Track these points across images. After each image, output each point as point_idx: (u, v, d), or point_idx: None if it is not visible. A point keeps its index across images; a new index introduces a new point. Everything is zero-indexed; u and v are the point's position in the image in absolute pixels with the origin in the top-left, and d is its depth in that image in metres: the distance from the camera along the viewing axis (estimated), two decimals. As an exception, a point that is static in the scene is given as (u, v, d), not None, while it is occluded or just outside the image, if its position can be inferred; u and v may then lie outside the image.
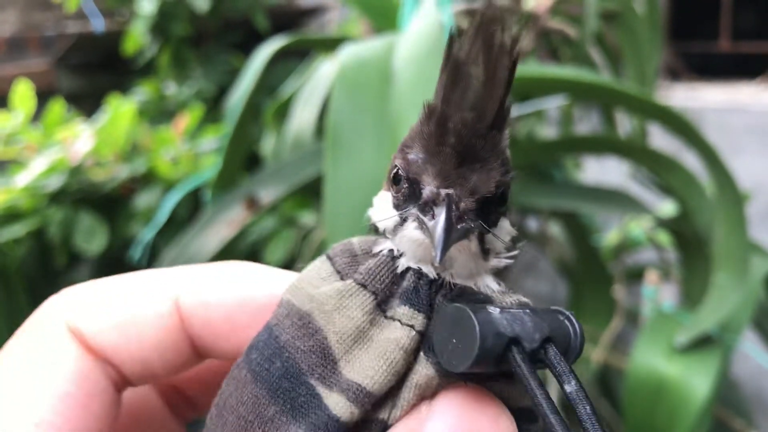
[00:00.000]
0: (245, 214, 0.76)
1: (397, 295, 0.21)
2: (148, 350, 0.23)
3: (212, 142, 1.02)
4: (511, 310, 0.19)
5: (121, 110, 0.91)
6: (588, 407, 0.18)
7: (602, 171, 1.36)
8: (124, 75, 1.54)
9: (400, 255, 0.21)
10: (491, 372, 0.19)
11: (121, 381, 0.23)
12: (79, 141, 0.89)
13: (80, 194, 0.89)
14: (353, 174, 0.53)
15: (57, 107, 0.96)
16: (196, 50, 1.45)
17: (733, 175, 0.72)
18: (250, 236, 0.90)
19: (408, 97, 0.54)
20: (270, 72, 0.85)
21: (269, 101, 1.04)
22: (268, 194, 0.76)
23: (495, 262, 0.22)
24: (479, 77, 0.19)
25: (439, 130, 0.19)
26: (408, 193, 0.21)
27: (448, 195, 0.19)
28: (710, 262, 0.77)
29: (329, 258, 0.23)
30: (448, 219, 0.19)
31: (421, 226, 0.20)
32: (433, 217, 0.20)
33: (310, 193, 0.78)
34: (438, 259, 0.19)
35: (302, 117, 0.84)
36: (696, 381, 0.72)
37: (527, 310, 0.20)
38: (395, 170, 0.22)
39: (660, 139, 0.94)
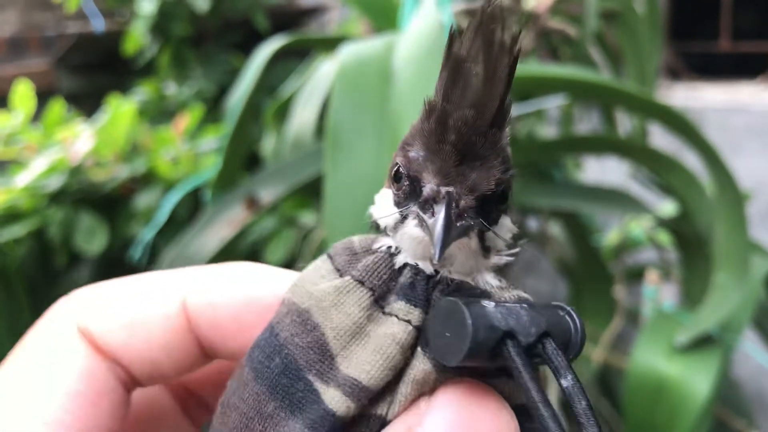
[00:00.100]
0: (245, 214, 0.76)
1: (395, 291, 0.21)
2: (156, 350, 0.23)
3: (212, 142, 1.03)
4: (507, 304, 0.19)
5: (121, 110, 0.91)
6: (584, 402, 0.18)
7: (602, 171, 1.36)
8: (124, 75, 1.54)
9: (398, 251, 0.21)
10: (490, 368, 0.19)
11: (130, 381, 0.23)
12: (79, 141, 0.89)
13: (80, 194, 0.89)
14: (353, 174, 0.53)
15: (57, 107, 0.96)
16: (196, 50, 1.45)
17: (733, 175, 0.72)
18: (250, 236, 0.90)
19: (408, 96, 0.54)
20: (270, 72, 0.85)
21: (269, 101, 1.04)
22: (268, 194, 0.76)
23: (496, 259, 0.22)
24: (479, 75, 0.19)
25: (440, 127, 0.19)
26: (409, 191, 0.21)
27: (448, 193, 0.19)
28: (710, 262, 0.77)
29: (330, 257, 0.23)
30: (448, 217, 0.19)
31: (421, 223, 0.20)
32: (433, 214, 0.20)
33: (310, 193, 0.78)
34: (437, 256, 0.19)
35: (302, 117, 0.84)
36: (696, 381, 0.72)
37: (524, 305, 0.20)
38: (396, 167, 0.22)
39: (660, 139, 0.94)
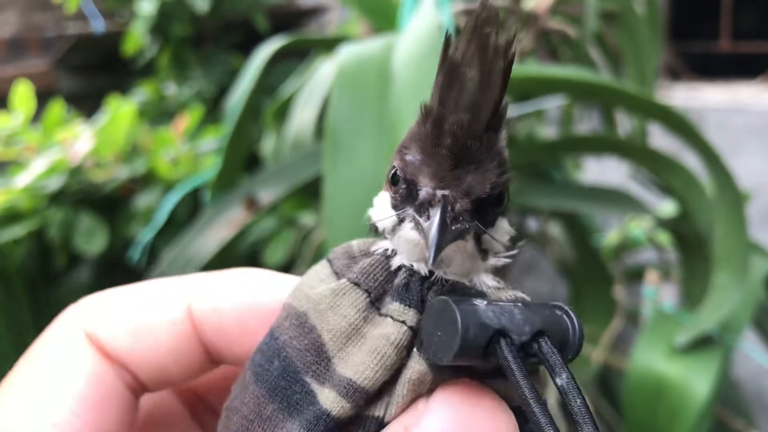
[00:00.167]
0: (245, 215, 0.76)
1: (390, 293, 0.21)
2: (162, 356, 0.24)
3: (212, 142, 1.03)
4: (500, 303, 0.19)
5: (121, 111, 0.91)
6: (579, 400, 0.18)
7: (602, 171, 1.36)
8: (124, 76, 1.54)
9: (395, 254, 0.22)
10: (487, 368, 0.19)
11: (137, 386, 0.24)
12: (79, 142, 0.89)
13: (80, 195, 0.89)
14: (352, 174, 0.53)
15: (57, 108, 0.96)
16: (196, 51, 1.45)
17: (733, 175, 0.72)
18: (250, 236, 0.90)
19: (407, 97, 0.54)
20: (270, 72, 0.85)
21: (269, 101, 1.04)
22: (268, 194, 0.76)
23: (493, 261, 0.22)
24: (474, 79, 0.19)
25: (435, 131, 0.20)
26: (405, 194, 0.21)
27: (443, 196, 0.20)
28: (710, 262, 0.77)
29: (329, 261, 0.23)
30: (443, 220, 0.19)
31: (417, 226, 0.20)
32: (428, 217, 0.20)
33: (310, 193, 0.78)
34: (431, 259, 0.19)
35: (302, 117, 0.84)
36: (696, 381, 0.72)
37: (519, 304, 0.20)
38: (393, 171, 0.22)
39: (660, 139, 0.94)
